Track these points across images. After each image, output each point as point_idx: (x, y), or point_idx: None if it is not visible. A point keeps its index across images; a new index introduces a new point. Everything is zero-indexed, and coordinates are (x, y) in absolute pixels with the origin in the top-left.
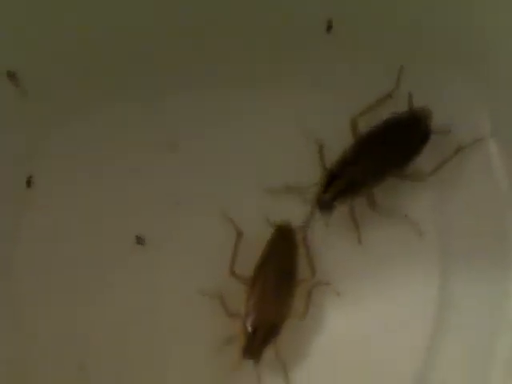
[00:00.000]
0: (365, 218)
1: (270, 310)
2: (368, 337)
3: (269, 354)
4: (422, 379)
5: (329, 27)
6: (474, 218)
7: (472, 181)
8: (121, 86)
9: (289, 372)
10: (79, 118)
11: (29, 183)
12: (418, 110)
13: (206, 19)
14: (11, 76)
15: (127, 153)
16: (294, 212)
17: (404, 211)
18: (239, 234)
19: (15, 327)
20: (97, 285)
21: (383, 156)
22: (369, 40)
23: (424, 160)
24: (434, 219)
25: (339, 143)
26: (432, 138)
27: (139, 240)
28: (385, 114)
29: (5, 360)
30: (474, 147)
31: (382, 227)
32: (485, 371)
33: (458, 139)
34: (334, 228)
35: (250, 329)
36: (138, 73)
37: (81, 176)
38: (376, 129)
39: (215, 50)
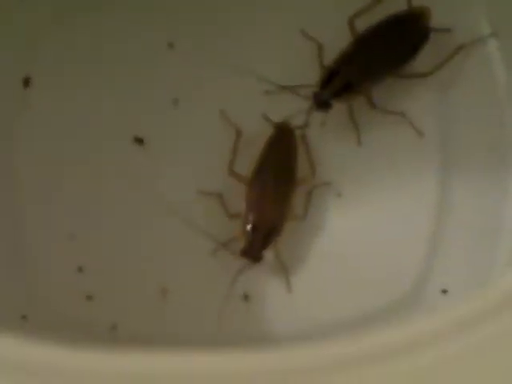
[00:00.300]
0: (364, 117)
1: (270, 209)
2: (369, 236)
3: (268, 255)
4: (421, 281)
5: None
6: (474, 116)
7: (471, 79)
8: None
9: (288, 273)
10: (79, 15)
11: (26, 83)
12: (416, 8)
13: None
14: None
15: (126, 52)
16: (293, 112)
17: (403, 110)
18: (238, 133)
19: (15, 225)
20: (95, 185)
21: (382, 54)
22: None
23: (424, 59)
24: (434, 118)
25: (340, 43)
26: (432, 37)
27: (137, 140)
28: (386, 11)
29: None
30: (473, 46)
31: (381, 127)
32: (484, 273)
33: (457, 37)
34: (333, 127)
35: (249, 228)
36: None
37: (79, 75)
38: (374, 27)
39: None
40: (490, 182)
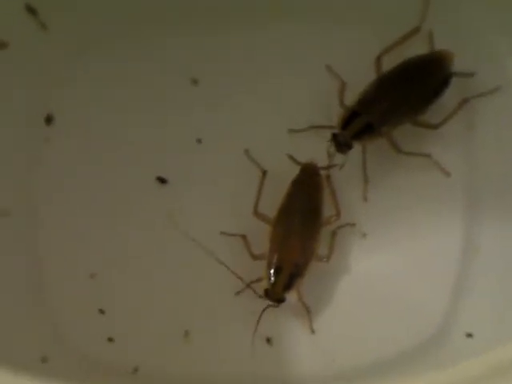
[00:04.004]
0: (389, 157)
1: (295, 250)
2: (393, 278)
3: (292, 296)
4: (446, 323)
5: None
6: (502, 157)
7: (499, 118)
8: (144, 20)
9: (312, 315)
10: (101, 53)
11: (49, 120)
12: (439, 52)
13: None
14: (30, 10)
15: (150, 88)
16: (318, 152)
17: (429, 150)
18: (263, 173)
19: (36, 264)
20: (117, 225)
21: (403, 97)
22: None
23: (446, 103)
24: (461, 158)
25: (363, 82)
26: (455, 80)
27: (161, 179)
28: (412, 50)
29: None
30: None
31: (406, 167)
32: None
33: (482, 82)
34: (358, 167)
35: (273, 270)
36: (160, 6)
37: (102, 113)
38: (397, 69)
39: None
40: None
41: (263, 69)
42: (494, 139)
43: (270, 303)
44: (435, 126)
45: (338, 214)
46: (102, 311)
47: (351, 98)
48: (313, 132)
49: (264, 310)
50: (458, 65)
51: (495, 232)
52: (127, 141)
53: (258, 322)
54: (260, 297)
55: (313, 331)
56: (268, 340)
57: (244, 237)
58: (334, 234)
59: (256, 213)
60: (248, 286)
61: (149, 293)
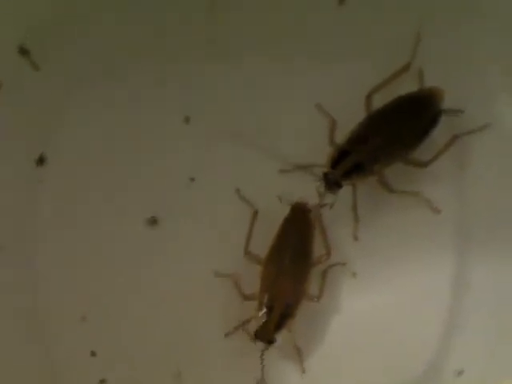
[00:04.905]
0: (379, 195)
1: (286, 290)
2: (384, 316)
3: (282, 336)
4: (439, 360)
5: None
6: (492, 194)
7: (489, 155)
8: (134, 60)
9: (303, 355)
10: (92, 93)
11: (41, 161)
12: (429, 89)
13: None
14: (24, 52)
15: (142, 127)
16: (308, 191)
17: (419, 188)
18: (254, 213)
19: (30, 306)
20: (109, 263)
21: (393, 135)
22: (383, 11)
23: (436, 141)
24: (451, 195)
25: (353, 119)
26: (445, 117)
27: (152, 218)
28: (402, 88)
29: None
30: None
31: (397, 205)
32: (503, 352)
33: (472, 119)
34: (349, 207)
35: (264, 310)
36: (150, 45)
37: (94, 152)
38: (386, 107)
39: (228, 24)
40: (509, 261)
41: (253, 108)
42: (484, 176)
43: (261, 344)
44: (425, 164)
45: (329, 254)
46: (93, 353)
47: (342, 136)
48: (304, 170)
49: (262, 356)
50: (448, 101)
51: (486, 268)
52: (119, 180)
53: (262, 369)
54: (251, 340)
55: (303, 371)
56: (258, 382)
57: (235, 277)
58: (324, 273)
59: (247, 253)
60: (238, 327)
61: (140, 335)
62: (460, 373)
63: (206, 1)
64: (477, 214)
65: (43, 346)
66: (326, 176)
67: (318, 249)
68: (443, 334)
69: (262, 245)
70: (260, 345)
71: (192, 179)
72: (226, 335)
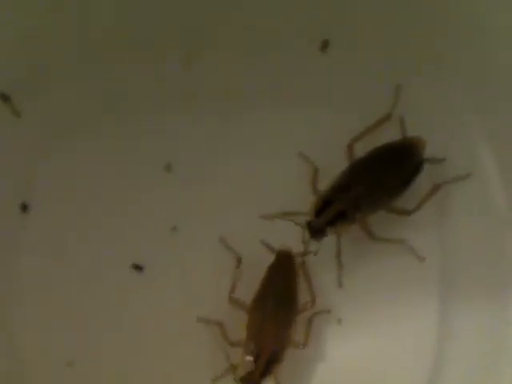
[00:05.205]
0: (363, 243)
1: (271, 337)
2: (370, 364)
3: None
4: None
5: (324, 46)
6: (474, 241)
7: (470, 203)
8: (116, 109)
9: None
10: (73, 141)
11: (24, 208)
12: (411, 138)
13: (201, 33)
14: (5, 98)
15: (124, 176)
16: (292, 238)
17: (402, 235)
18: (238, 260)
19: (13, 353)
20: (94, 311)
21: (376, 183)
22: (367, 57)
23: (419, 188)
24: (434, 243)
25: (336, 167)
26: (426, 167)
27: (136, 266)
28: (384, 136)
29: None
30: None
31: (381, 252)
32: None
33: (453, 168)
34: (333, 254)
35: (250, 357)
36: (132, 94)
37: (76, 201)
38: (368, 156)
39: (208, 74)
40: (491, 306)
41: (236, 155)
42: (466, 224)
43: None
44: (408, 213)
45: (314, 301)
46: None
47: (327, 184)
48: (288, 218)
49: None
50: (429, 149)
51: (469, 313)
52: (102, 228)
53: None
54: None
55: None
56: None
57: (220, 324)
58: (309, 320)
59: (231, 300)
60: (225, 373)
61: (125, 380)
62: None
63: (181, 53)
64: (460, 261)
65: None
66: (309, 224)
67: (302, 296)
68: (427, 380)
69: (247, 292)
70: None
71: (174, 227)
72: (214, 381)
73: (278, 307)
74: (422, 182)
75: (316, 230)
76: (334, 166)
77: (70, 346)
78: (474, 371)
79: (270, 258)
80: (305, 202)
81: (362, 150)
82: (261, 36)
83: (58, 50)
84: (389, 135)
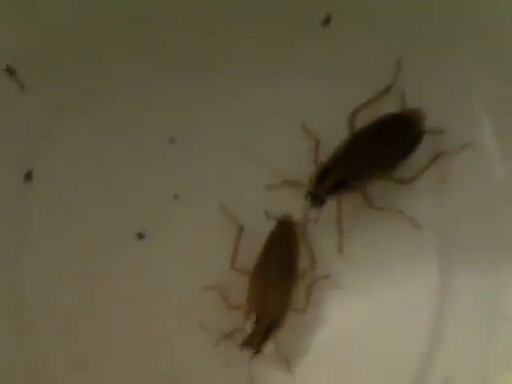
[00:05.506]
0: (362, 209)
1: (272, 303)
2: (369, 328)
3: (270, 347)
4: (423, 371)
5: (326, 21)
6: (472, 209)
7: (469, 172)
8: (120, 79)
9: (290, 365)
10: (77, 113)
11: (28, 177)
12: (410, 110)
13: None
14: (10, 71)
15: (127, 146)
16: (293, 206)
17: (401, 203)
18: (240, 228)
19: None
20: (97, 279)
21: (375, 154)
22: (368, 31)
23: (418, 159)
24: (432, 210)
25: (337, 138)
26: (426, 138)
27: (139, 234)
28: (385, 108)
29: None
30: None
31: (379, 219)
32: (484, 365)
33: (452, 139)
34: (332, 221)
35: (251, 321)
36: (136, 65)
37: (79, 170)
38: (369, 127)
39: (214, 47)
40: (489, 271)
41: (237, 124)
42: (465, 192)
43: (249, 353)
44: (406, 182)
45: (314, 267)
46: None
47: (328, 153)
48: (290, 185)
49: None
50: (429, 120)
51: (468, 279)
52: (104, 198)
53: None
54: (239, 348)
55: (293, 373)
56: None
57: (221, 289)
58: (309, 286)
59: (233, 267)
60: (227, 336)
61: (129, 347)
62: (446, 381)
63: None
64: (458, 226)
65: None
66: (310, 193)
67: (303, 262)
68: (428, 344)
69: (249, 259)
70: (248, 353)
71: (176, 196)
72: (216, 343)
73: (279, 273)
74: (421, 152)
75: (316, 199)
76: (335, 138)
77: (73, 316)
78: (471, 330)
79: (272, 226)
80: (306, 173)
81: (362, 122)
82: (263, 11)
83: (64, 25)
84: (389, 108)
